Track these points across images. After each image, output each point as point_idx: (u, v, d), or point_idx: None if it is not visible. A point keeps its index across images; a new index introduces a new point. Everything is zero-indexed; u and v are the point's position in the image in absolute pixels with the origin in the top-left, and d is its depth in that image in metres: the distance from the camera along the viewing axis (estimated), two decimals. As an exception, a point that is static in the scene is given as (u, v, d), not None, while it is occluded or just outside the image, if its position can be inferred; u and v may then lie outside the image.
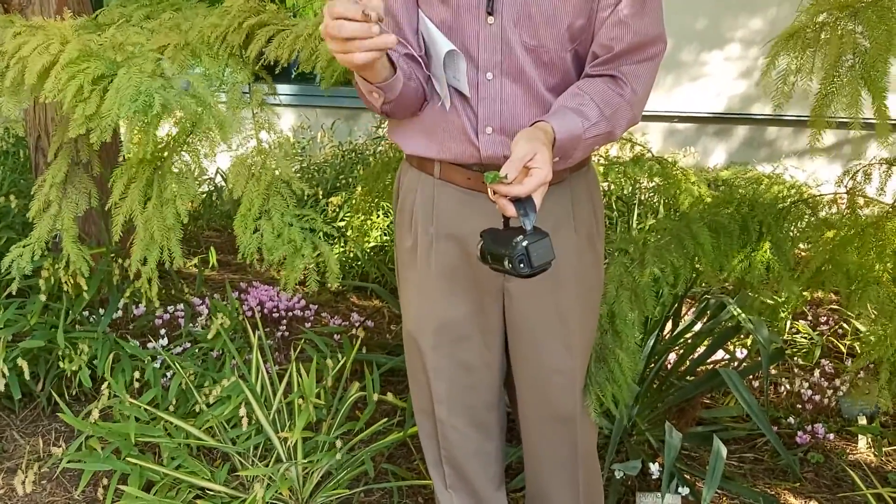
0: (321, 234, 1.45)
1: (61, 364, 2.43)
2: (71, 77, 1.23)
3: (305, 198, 4.04)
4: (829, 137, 4.65)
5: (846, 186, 2.07)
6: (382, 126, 4.50)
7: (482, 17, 1.31)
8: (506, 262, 1.16)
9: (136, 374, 2.44)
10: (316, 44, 1.22)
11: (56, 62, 1.22)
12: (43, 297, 2.49)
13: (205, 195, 4.37)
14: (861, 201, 2.07)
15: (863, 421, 2.50)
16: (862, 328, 2.92)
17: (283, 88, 5.28)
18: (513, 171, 1.12)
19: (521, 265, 1.15)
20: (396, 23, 1.37)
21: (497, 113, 1.34)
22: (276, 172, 1.38)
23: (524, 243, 1.14)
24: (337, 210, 3.96)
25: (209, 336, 2.52)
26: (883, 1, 1.39)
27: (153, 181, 1.38)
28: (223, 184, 4.51)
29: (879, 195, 2.02)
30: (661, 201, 3.85)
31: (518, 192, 1.13)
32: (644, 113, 1.39)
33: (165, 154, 1.36)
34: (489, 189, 1.15)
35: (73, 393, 2.54)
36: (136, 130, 1.22)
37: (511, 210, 1.14)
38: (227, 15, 1.30)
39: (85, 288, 2.46)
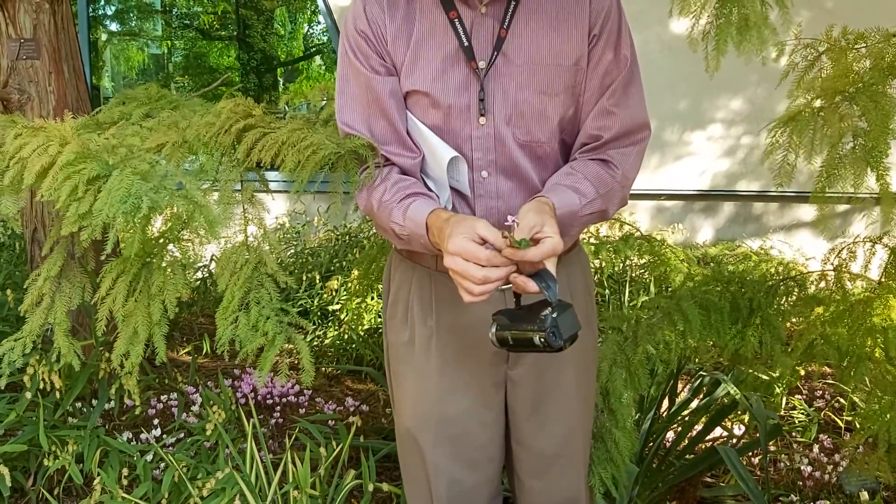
0: (294, 326, 1.46)
1: (46, 461, 2.39)
2: (67, 177, 1.26)
3: (303, 281, 4.06)
4: (813, 211, 4.73)
5: (832, 264, 2.10)
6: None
7: (474, 119, 1.33)
8: (536, 339, 1.10)
9: (126, 471, 2.39)
10: (287, 150, 1.27)
11: (55, 162, 1.26)
12: (29, 395, 2.46)
13: (198, 282, 4.38)
14: (847, 275, 2.10)
15: (864, 496, 2.46)
16: (859, 402, 2.91)
17: (278, 175, 5.36)
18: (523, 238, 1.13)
19: (554, 337, 1.09)
20: (395, 129, 1.36)
21: (494, 209, 1.36)
22: (260, 265, 1.41)
23: (553, 315, 1.09)
24: (333, 293, 3.97)
25: (207, 432, 2.49)
26: (874, 86, 1.45)
27: (141, 275, 1.40)
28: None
29: (865, 271, 2.05)
30: (652, 278, 3.88)
31: (532, 257, 1.12)
32: (632, 192, 1.43)
33: (156, 250, 1.38)
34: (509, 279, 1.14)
35: (60, 490, 2.49)
36: (128, 229, 1.25)
37: (532, 286, 1.11)
38: (219, 116, 1.36)
39: (58, 386, 2.43)
